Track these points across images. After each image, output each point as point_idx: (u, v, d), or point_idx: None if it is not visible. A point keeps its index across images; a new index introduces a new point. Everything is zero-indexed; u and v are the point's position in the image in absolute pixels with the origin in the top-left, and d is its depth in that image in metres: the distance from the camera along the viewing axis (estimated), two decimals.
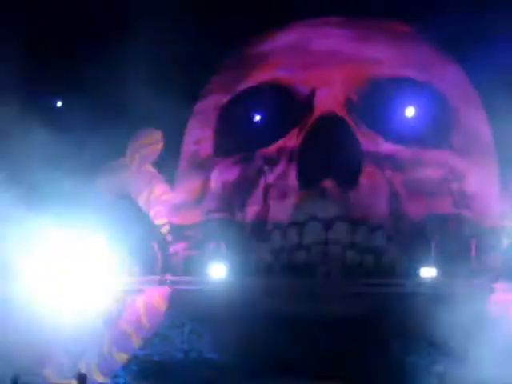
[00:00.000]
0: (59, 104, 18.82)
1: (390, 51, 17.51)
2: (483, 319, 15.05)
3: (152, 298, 16.30)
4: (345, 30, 17.67)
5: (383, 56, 17.41)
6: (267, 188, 16.94)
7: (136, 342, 16.06)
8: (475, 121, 17.45)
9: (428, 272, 16.23)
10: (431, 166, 16.84)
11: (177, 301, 16.22)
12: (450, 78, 17.44)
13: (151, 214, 18.76)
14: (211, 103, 18.23)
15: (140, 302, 16.36)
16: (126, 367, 16.08)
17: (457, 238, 16.54)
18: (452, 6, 16.78)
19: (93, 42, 18.12)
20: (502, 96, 16.72)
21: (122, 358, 15.98)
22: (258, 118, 17.35)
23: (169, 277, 16.43)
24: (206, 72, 18.51)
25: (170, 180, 18.72)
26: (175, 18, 17.62)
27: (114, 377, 16.06)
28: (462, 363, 14.80)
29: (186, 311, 16.15)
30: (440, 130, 17.19)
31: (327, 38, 17.49)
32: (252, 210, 16.91)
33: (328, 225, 16.20)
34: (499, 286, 15.69)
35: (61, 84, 18.67)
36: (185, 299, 16.21)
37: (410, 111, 17.02)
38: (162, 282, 16.42)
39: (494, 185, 17.29)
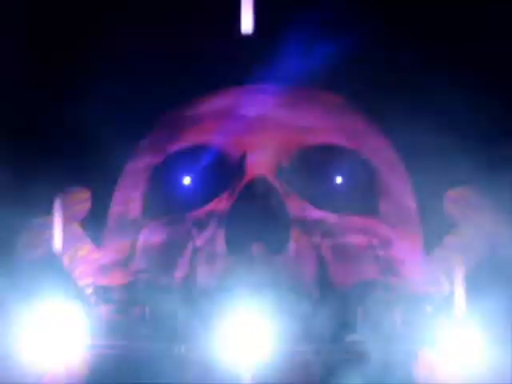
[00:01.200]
0: None
1: (323, 119, 17.77)
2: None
3: (73, 363, 15.77)
4: (277, 97, 17.91)
5: (316, 124, 17.61)
6: (195, 252, 16.74)
7: None
8: (401, 191, 17.80)
9: (355, 338, 16.33)
10: (357, 233, 16.98)
11: (99, 365, 15.74)
12: (379, 148, 17.87)
13: (75, 274, 18.31)
14: (142, 164, 18.03)
15: (61, 366, 15.83)
16: None
17: (382, 304, 16.72)
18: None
19: None
20: (426, 171, 17.35)
21: None
22: (187, 180, 17.30)
23: (91, 340, 15.97)
24: (140, 131, 18.49)
25: (97, 240, 18.39)
26: (110, 75, 17.65)
27: None
28: None
29: (109, 376, 15.66)
30: (367, 197, 17.44)
31: (260, 105, 17.67)
32: (179, 274, 16.65)
33: (255, 291, 16.09)
34: (423, 351, 15.90)
35: None
36: (107, 364, 15.74)
37: (338, 178, 17.33)
38: (84, 346, 15.96)
39: (418, 253, 17.60)
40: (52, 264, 17.88)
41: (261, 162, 16.77)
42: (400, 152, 17.85)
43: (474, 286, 16.91)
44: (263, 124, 17.16)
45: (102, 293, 16.97)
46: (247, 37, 16.69)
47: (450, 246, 17.41)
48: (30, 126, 17.52)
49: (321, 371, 14.96)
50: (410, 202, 17.74)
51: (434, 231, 17.38)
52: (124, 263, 17.02)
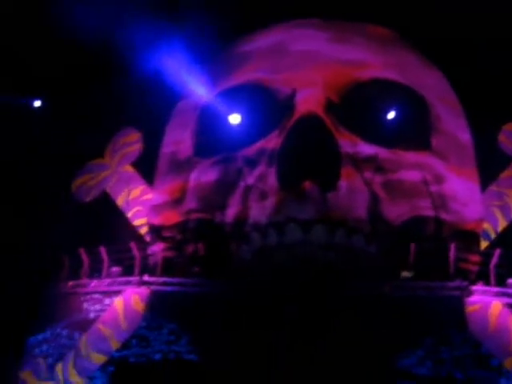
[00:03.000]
0: (37, 104, 18.65)
1: (371, 54, 17.41)
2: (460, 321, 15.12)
3: (130, 299, 15.99)
4: (326, 32, 17.50)
5: (364, 58, 17.26)
6: (247, 189, 16.70)
7: (113, 344, 15.83)
8: (455, 126, 17.41)
9: (407, 274, 16.26)
10: (410, 168, 16.70)
11: (155, 302, 16.03)
12: (430, 82, 17.40)
13: (130, 214, 18.57)
14: (192, 104, 18.09)
15: (118, 303, 16.15)
16: (102, 368, 15.76)
17: (435, 240, 16.55)
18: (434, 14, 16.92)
19: None
20: (482, 104, 16.88)
21: (98, 359, 15.43)
22: (237, 118, 17.27)
23: (147, 277, 16.29)
24: (189, 73, 18.42)
25: (150, 181, 18.61)
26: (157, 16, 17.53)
27: (91, 378, 15.70)
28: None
29: (165, 312, 15.96)
30: (420, 132, 17.12)
31: (307, 40, 17.33)
32: (231, 211, 16.68)
33: (307, 226, 16.13)
34: (477, 288, 15.77)
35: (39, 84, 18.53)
36: (163, 300, 16.06)
37: (390, 113, 17.04)
38: (140, 283, 16.27)
39: (472, 189, 17.24)
40: (106, 205, 18.19)
41: (311, 98, 16.52)
42: (455, 85, 17.35)
43: None
44: (312, 60, 16.84)
45: (156, 232, 17.21)
46: None
47: (506, 182, 17.02)
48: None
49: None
50: (465, 137, 17.31)
51: (490, 166, 16.97)
52: (177, 203, 17.17)
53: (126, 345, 15.60)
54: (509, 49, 16.87)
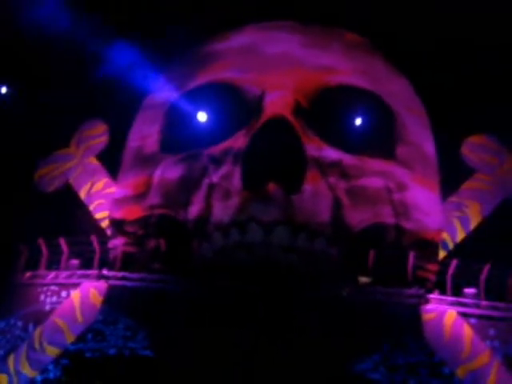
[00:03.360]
0: (3, 90, 18.35)
1: (343, 60, 17.50)
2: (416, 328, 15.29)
3: (87, 293, 15.83)
4: (299, 35, 17.56)
5: (334, 64, 17.35)
6: (211, 187, 16.65)
7: (68, 337, 15.64)
8: (420, 135, 17.61)
9: (365, 279, 16.38)
10: (374, 175, 16.83)
11: (113, 296, 15.89)
12: (398, 91, 17.58)
13: (92, 207, 18.37)
14: (160, 99, 17.96)
15: (75, 295, 15.97)
16: (56, 361, 15.59)
17: (395, 248, 16.72)
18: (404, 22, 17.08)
19: None
20: (446, 115, 17.10)
21: (52, 351, 15.26)
22: (204, 116, 17.20)
23: (106, 272, 16.15)
24: (158, 67, 18.31)
25: (114, 174, 18.43)
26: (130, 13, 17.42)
27: (44, 371, 15.53)
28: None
29: (122, 307, 15.82)
30: (385, 140, 17.26)
31: (281, 43, 17.39)
32: (195, 209, 16.62)
33: (269, 228, 16.14)
34: (433, 296, 15.97)
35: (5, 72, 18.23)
36: (121, 295, 15.92)
37: (357, 120, 17.15)
38: (99, 277, 16.12)
39: (434, 199, 17.42)
40: (69, 196, 17.97)
41: (280, 100, 16.55)
42: (421, 96, 17.55)
43: (488, 234, 16.83)
44: (283, 62, 16.88)
45: (118, 226, 17.05)
46: None
47: (467, 193, 17.27)
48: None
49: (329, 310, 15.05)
50: (429, 147, 17.52)
51: (452, 177, 17.20)
52: (140, 197, 17.03)
53: (81, 338, 15.45)
54: (475, 61, 17.13)
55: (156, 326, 15.19)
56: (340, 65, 17.15)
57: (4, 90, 17.90)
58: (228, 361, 14.84)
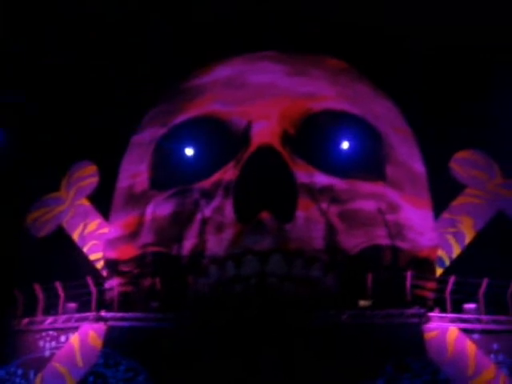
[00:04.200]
0: None
1: (327, 86, 17.56)
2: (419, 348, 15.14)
3: (86, 336, 15.62)
4: (282, 64, 17.60)
5: (319, 90, 17.40)
6: (204, 222, 16.60)
7: (69, 382, 15.29)
8: (408, 155, 17.62)
9: (365, 303, 16.24)
10: (366, 198, 16.77)
11: (112, 338, 15.70)
12: (383, 112, 17.63)
13: (86, 248, 18.23)
14: (147, 137, 17.87)
15: (74, 339, 15.77)
16: None
17: (392, 269, 16.61)
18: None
19: None
20: (433, 133, 17.13)
21: None
22: (191, 151, 17.13)
23: (104, 313, 15.96)
24: (144, 105, 18.34)
25: (106, 214, 18.32)
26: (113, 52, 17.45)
27: None
28: None
29: (122, 348, 15.62)
30: (374, 162, 17.24)
31: (264, 73, 17.45)
32: (188, 244, 16.50)
33: (264, 257, 16.01)
34: (434, 315, 15.85)
35: None
36: (120, 336, 15.73)
37: (344, 144, 17.17)
38: (97, 319, 15.94)
39: (426, 217, 17.37)
40: (62, 240, 17.82)
41: (266, 130, 16.54)
42: (407, 116, 17.59)
43: (483, 249, 16.75)
44: (268, 92, 16.90)
45: (113, 266, 16.91)
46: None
47: (458, 209, 17.23)
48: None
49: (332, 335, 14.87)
50: (418, 166, 17.51)
51: (443, 194, 17.17)
52: (133, 236, 16.92)
53: (82, 382, 15.25)
54: (459, 77, 17.21)
55: (156, 365, 15.01)
56: (324, 91, 17.22)
57: None
58: None
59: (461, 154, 17.46)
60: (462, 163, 17.37)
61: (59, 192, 18.27)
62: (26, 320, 16.26)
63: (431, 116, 16.93)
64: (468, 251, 17.04)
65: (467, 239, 17.12)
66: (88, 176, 17.99)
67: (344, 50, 17.43)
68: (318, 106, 16.82)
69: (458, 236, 17.10)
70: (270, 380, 14.88)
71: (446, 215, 17.26)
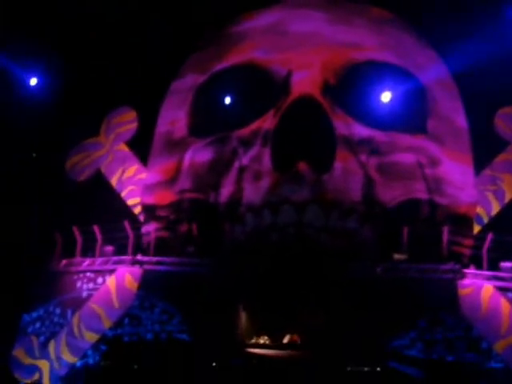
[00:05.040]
0: (33, 81, 18.34)
1: (370, 36, 17.12)
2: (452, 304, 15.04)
3: (123, 278, 15.79)
4: (325, 12, 17.25)
5: (362, 40, 16.98)
6: (241, 170, 16.51)
7: (105, 322, 15.58)
8: (451, 109, 17.22)
9: (400, 256, 16.14)
10: (406, 151, 16.48)
11: (148, 281, 15.90)
12: (428, 64, 17.19)
13: (124, 193, 18.34)
14: (187, 83, 17.75)
15: (111, 282, 15.98)
16: (95, 347, 15.56)
17: (429, 223, 16.42)
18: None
19: None
20: (477, 87, 16.65)
21: (91, 337, 15.33)
22: (230, 99, 16.97)
23: (140, 257, 16.13)
24: (184, 51, 18.16)
25: (144, 160, 18.38)
26: None
27: (83, 356, 15.46)
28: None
29: (158, 292, 15.82)
30: (415, 115, 16.90)
31: (307, 21, 17.11)
32: (226, 192, 16.49)
33: (301, 208, 15.95)
34: (469, 271, 15.68)
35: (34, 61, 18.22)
36: (155, 279, 15.91)
37: (386, 96, 16.80)
38: (133, 262, 16.13)
39: (467, 173, 17.05)
40: (100, 184, 17.95)
41: (307, 79, 16.28)
42: (452, 69, 17.08)
43: None
44: (310, 41, 16.57)
45: (150, 211, 17.00)
46: None
47: (501, 166, 16.84)
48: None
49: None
50: (461, 120, 17.09)
51: (485, 150, 16.76)
52: (171, 182, 16.96)
53: (118, 323, 15.51)
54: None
55: (191, 310, 15.16)
56: (367, 40, 16.81)
57: (34, 81, 17.89)
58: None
59: (505, 110, 16.99)
60: (506, 119, 16.91)
61: (98, 137, 18.32)
62: (64, 261, 16.51)
63: (476, 70, 16.42)
64: (508, 210, 16.73)
65: (507, 197, 16.78)
66: (127, 122, 17.98)
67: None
68: (360, 56, 16.45)
69: (498, 194, 16.77)
70: (307, 328, 14.96)
71: (487, 172, 16.91)
